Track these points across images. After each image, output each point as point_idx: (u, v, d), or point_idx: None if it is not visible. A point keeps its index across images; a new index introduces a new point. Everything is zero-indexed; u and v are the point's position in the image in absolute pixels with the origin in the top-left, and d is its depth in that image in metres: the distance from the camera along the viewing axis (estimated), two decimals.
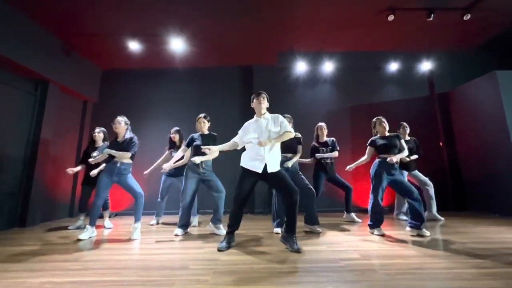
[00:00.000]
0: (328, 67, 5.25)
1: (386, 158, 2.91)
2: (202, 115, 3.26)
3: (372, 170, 2.99)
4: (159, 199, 3.80)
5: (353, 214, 3.76)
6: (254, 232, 3.07)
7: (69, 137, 4.74)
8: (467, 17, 4.13)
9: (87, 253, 2.30)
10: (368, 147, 3.16)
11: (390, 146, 2.95)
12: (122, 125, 3.02)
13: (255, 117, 2.60)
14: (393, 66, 5.28)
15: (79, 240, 2.79)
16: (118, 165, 2.92)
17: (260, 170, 2.38)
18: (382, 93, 5.37)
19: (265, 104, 2.55)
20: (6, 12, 3.43)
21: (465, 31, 4.74)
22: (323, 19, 4.35)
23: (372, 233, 2.88)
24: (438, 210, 3.83)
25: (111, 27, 4.08)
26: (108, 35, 4.23)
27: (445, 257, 2.01)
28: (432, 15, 4.11)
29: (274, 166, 2.43)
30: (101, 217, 4.13)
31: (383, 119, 3.13)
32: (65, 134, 4.63)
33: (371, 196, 2.93)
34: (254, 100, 2.56)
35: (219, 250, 2.30)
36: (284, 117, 2.96)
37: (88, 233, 2.88)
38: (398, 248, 2.30)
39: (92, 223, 2.91)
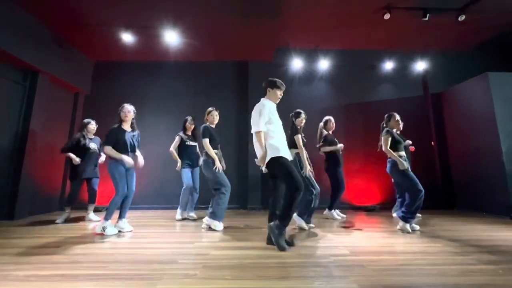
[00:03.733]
0: (323, 64, 5.25)
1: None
2: (214, 108, 3.29)
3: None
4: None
5: (334, 212, 3.75)
6: (246, 228, 3.07)
7: (60, 129, 4.65)
8: (461, 18, 4.17)
9: (76, 246, 2.27)
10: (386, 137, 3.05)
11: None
12: (132, 113, 2.94)
13: (272, 103, 2.52)
14: (388, 65, 5.31)
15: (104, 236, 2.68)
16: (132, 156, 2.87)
17: (291, 157, 2.42)
18: (377, 92, 5.40)
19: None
20: None
21: (460, 32, 4.79)
22: (320, 16, 4.33)
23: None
24: (428, 209, 3.89)
25: (104, 18, 3.99)
26: (101, 26, 4.13)
27: (432, 254, 2.04)
28: (428, 15, 4.13)
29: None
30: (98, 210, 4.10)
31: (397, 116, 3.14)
32: (56, 126, 4.54)
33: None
34: (275, 90, 2.50)
35: (284, 250, 2.11)
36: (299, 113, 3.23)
37: (114, 229, 2.78)
38: (388, 245, 2.33)
39: (110, 217, 2.77)
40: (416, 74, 5.38)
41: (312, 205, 2.99)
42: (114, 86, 5.22)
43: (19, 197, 3.69)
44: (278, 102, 2.55)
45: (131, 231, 2.90)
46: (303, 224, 2.98)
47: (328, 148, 3.73)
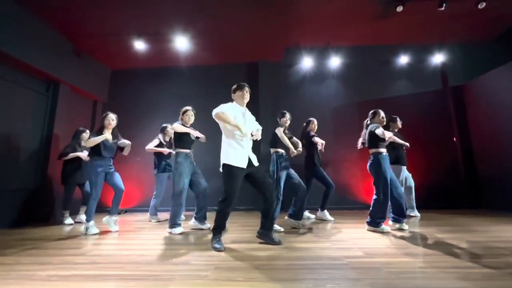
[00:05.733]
0: (335, 62, 5.14)
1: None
2: (191, 107, 3.24)
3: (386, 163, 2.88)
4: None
5: (326, 212, 3.65)
6: (255, 229, 3.05)
7: None
8: (481, 5, 3.94)
9: (94, 247, 2.37)
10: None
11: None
12: (115, 121, 3.10)
13: (238, 105, 2.47)
14: (403, 60, 5.12)
15: (86, 235, 2.89)
16: (111, 161, 3.05)
17: (245, 165, 2.31)
18: (392, 88, 5.21)
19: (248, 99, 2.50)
20: (18, 14, 3.55)
21: (480, 21, 4.52)
22: (330, 13, 4.26)
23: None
24: (452, 208, 3.72)
25: (117, 27, 4.16)
26: (115, 35, 4.31)
27: (455, 256, 1.93)
28: (444, 4, 3.94)
29: (255, 160, 2.41)
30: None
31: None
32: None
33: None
34: (238, 92, 2.47)
35: (220, 251, 2.17)
36: (284, 113, 3.20)
37: (96, 229, 2.97)
38: (405, 246, 2.23)
39: (91, 219, 2.95)
40: (433, 67, 5.14)
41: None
42: (130, 93, 5.42)
43: (45, 200, 3.92)
44: (246, 101, 2.49)
45: (117, 231, 3.04)
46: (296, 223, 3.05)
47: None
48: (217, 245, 2.22)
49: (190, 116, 3.16)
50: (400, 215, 2.88)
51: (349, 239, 2.54)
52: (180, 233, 2.86)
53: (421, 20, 4.47)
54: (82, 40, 4.40)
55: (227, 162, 2.28)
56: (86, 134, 3.84)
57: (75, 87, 4.53)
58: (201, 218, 3.10)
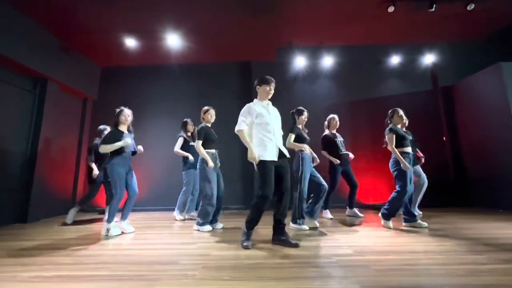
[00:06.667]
0: (327, 61, 5.17)
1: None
2: (211, 107, 3.27)
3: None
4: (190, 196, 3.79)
5: (356, 209, 3.78)
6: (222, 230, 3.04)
7: (70, 134, 4.79)
8: (471, 7, 4.00)
9: (81, 247, 2.32)
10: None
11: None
12: (131, 117, 3.05)
13: (260, 101, 2.49)
14: (395, 60, 5.17)
15: (107, 236, 2.77)
16: (130, 157, 2.96)
17: (276, 158, 2.34)
18: (383, 88, 5.26)
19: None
20: (4, 10, 3.46)
21: (469, 22, 4.59)
22: (322, 12, 4.26)
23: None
24: (441, 206, 3.77)
25: (108, 24, 4.08)
26: (105, 32, 4.23)
27: (441, 253, 1.96)
28: (434, 5, 3.98)
29: (286, 151, 2.44)
30: (102, 212, 4.21)
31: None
32: (66, 132, 4.67)
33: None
34: (263, 86, 2.45)
35: (247, 249, 2.16)
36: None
37: (118, 230, 2.86)
38: (395, 244, 2.25)
39: (112, 219, 2.86)
40: (424, 67, 5.21)
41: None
42: (121, 91, 5.33)
43: (32, 201, 3.82)
44: (270, 96, 2.49)
45: (133, 232, 2.95)
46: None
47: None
48: (245, 243, 2.22)
49: (212, 115, 3.22)
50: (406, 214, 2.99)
51: (339, 237, 2.55)
52: (209, 231, 2.91)
53: (412, 21, 4.52)
54: (70, 36, 4.30)
55: (262, 158, 2.27)
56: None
57: (64, 84, 4.42)
58: (213, 221, 3.08)
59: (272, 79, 2.48)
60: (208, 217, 2.95)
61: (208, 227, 2.94)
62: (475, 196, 4.53)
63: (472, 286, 1.38)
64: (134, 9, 3.80)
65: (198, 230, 2.93)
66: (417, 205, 3.66)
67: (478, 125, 4.49)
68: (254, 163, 2.32)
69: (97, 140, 3.72)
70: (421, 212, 3.66)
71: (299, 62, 5.15)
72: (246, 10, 3.95)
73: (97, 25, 4.07)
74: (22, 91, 3.94)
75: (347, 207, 3.84)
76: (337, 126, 3.90)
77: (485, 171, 4.34)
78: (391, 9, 4.04)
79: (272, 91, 2.49)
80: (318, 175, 3.14)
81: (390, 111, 3.14)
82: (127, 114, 2.99)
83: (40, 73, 3.96)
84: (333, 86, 5.31)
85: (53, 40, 4.22)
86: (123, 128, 2.98)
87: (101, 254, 2.12)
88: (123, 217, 2.95)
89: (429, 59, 5.11)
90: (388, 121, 3.13)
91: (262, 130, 2.35)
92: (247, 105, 2.46)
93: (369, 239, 2.44)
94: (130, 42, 4.42)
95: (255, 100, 2.51)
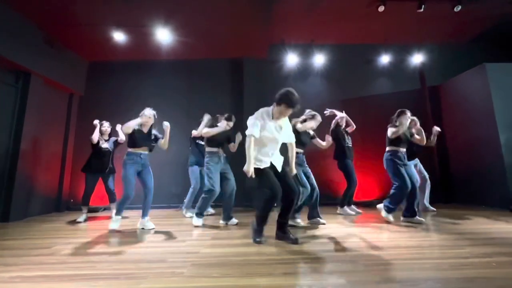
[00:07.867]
0: (319, 59, 5.19)
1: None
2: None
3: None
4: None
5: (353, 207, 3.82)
6: (233, 226, 3.04)
7: (55, 130, 4.63)
8: (457, 8, 4.10)
9: (65, 247, 2.25)
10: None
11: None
12: (152, 119, 3.09)
13: (271, 116, 2.31)
14: (385, 59, 5.24)
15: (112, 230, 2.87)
16: (142, 156, 2.96)
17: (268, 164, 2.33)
18: (374, 86, 5.33)
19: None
20: None
21: (456, 23, 4.72)
22: (314, 11, 4.28)
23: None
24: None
25: (95, 17, 3.95)
26: (92, 25, 4.09)
27: (426, 248, 2.01)
28: (423, 6, 4.06)
29: (279, 165, 2.40)
30: (93, 211, 4.10)
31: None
32: (51, 128, 4.52)
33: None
34: (283, 107, 2.20)
35: (260, 243, 2.20)
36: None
37: (118, 223, 2.94)
38: (381, 240, 2.30)
39: (120, 213, 2.93)
40: (413, 67, 5.31)
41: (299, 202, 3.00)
42: (109, 86, 5.19)
43: (14, 199, 3.68)
44: (280, 118, 2.32)
45: (153, 228, 2.95)
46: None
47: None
48: (258, 239, 2.24)
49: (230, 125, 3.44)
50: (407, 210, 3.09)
51: (328, 233, 2.57)
52: (197, 226, 2.98)
53: (401, 21, 4.59)
54: (55, 29, 4.14)
55: (256, 166, 2.27)
56: (107, 128, 3.77)
57: (48, 78, 4.26)
58: (226, 219, 3.13)
59: (298, 102, 2.20)
60: (202, 209, 3.07)
61: (199, 221, 3.02)
62: (459, 193, 4.68)
63: (455, 279, 1.42)
64: (123, 1, 3.69)
65: (191, 217, 3.07)
66: (428, 201, 3.83)
67: (463, 124, 4.62)
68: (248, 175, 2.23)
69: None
70: (435, 209, 3.78)
71: (291, 59, 5.15)
72: (238, 6, 3.91)
73: (83, 17, 3.93)
74: (3, 85, 3.78)
75: (339, 205, 3.85)
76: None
77: (468, 168, 4.48)
78: (381, 8, 4.10)
79: (287, 116, 2.34)
80: (312, 176, 3.10)
81: (398, 111, 3.24)
82: (148, 115, 3.07)
83: (23, 66, 3.80)
84: (325, 84, 5.34)
85: (36, 32, 4.05)
86: (144, 128, 3.03)
87: (86, 253, 2.07)
88: (143, 215, 3.00)
89: (417, 58, 5.21)
90: (395, 121, 3.19)
91: (261, 148, 2.32)
92: (260, 112, 2.32)
93: (355, 235, 2.48)
94: (118, 36, 4.29)
95: (269, 111, 2.31)
